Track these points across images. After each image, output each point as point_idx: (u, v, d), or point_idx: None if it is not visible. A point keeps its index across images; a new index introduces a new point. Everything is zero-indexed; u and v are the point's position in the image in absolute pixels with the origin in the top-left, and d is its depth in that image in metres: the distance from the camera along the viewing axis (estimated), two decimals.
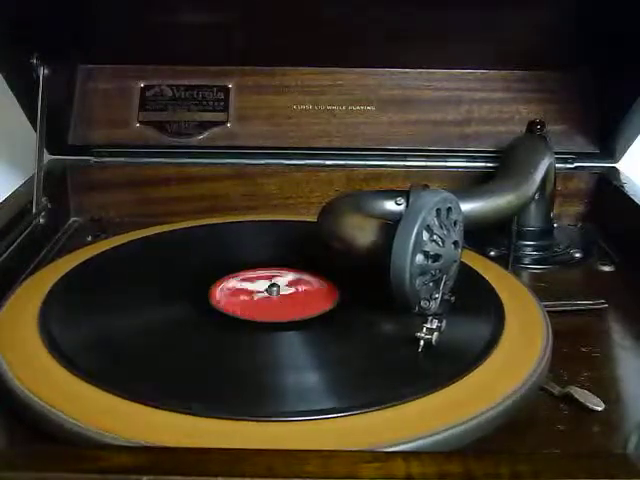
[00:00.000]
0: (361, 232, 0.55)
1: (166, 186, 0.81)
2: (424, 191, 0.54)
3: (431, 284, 0.52)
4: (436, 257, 0.51)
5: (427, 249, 0.51)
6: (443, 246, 0.52)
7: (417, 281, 0.51)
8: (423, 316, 0.51)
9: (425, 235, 0.51)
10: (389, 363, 0.49)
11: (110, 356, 0.50)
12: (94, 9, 0.77)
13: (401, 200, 0.60)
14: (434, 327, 0.49)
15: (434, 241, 0.51)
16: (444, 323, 0.50)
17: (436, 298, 0.52)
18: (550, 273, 0.69)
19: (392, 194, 0.61)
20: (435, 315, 0.51)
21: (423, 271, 0.51)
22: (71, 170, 0.81)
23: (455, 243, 0.53)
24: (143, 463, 0.35)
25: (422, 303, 0.52)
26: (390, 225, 0.52)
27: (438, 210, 0.52)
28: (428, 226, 0.51)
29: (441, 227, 0.52)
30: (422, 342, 0.49)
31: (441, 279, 0.52)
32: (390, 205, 0.60)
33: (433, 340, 0.49)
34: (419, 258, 0.51)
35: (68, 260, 0.63)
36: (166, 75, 0.83)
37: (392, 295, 0.51)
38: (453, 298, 0.53)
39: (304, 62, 0.82)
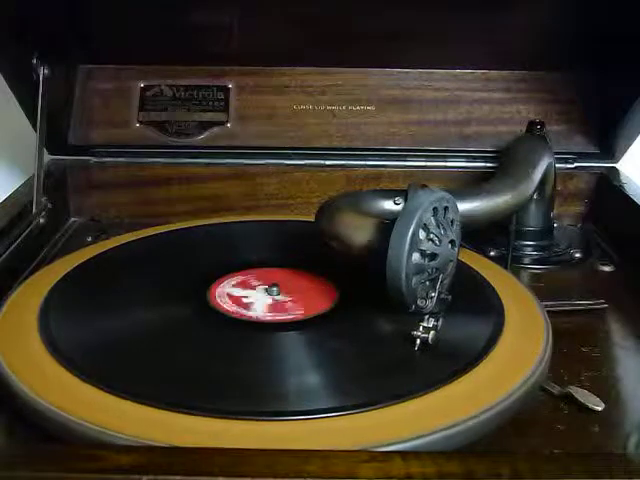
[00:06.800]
0: (358, 231, 0.55)
1: (166, 186, 0.81)
2: (421, 190, 0.54)
3: (428, 283, 0.52)
4: (433, 256, 0.51)
5: (424, 248, 0.51)
6: (440, 245, 0.52)
7: (413, 280, 0.51)
8: (420, 315, 0.51)
9: (422, 234, 0.51)
10: (389, 362, 0.49)
11: (110, 356, 0.50)
12: (94, 9, 0.77)
13: (399, 200, 0.60)
14: (430, 326, 0.49)
15: (431, 240, 0.51)
16: (441, 322, 0.50)
17: (432, 297, 0.52)
18: (550, 273, 0.69)
19: (390, 193, 0.61)
20: (432, 314, 0.51)
21: (419, 270, 0.51)
22: (71, 170, 0.81)
23: (452, 242, 0.53)
24: (143, 463, 0.35)
25: (419, 302, 0.52)
26: (387, 224, 0.52)
27: (435, 209, 0.52)
28: (425, 225, 0.51)
29: (438, 226, 0.52)
30: (418, 341, 0.49)
31: (438, 278, 0.52)
32: (388, 204, 0.60)
33: (429, 339, 0.49)
34: (415, 257, 0.51)
35: (68, 260, 0.63)
36: (166, 75, 0.83)
37: (389, 294, 0.51)
38: (450, 297, 0.53)
39: (304, 62, 0.82)
